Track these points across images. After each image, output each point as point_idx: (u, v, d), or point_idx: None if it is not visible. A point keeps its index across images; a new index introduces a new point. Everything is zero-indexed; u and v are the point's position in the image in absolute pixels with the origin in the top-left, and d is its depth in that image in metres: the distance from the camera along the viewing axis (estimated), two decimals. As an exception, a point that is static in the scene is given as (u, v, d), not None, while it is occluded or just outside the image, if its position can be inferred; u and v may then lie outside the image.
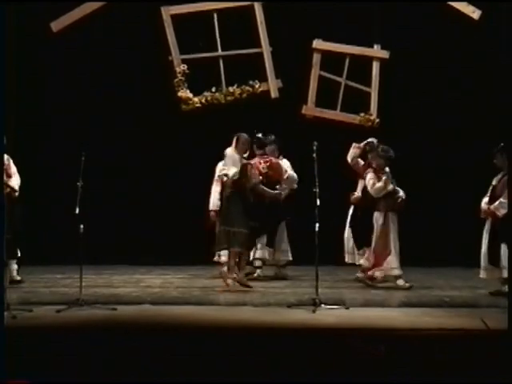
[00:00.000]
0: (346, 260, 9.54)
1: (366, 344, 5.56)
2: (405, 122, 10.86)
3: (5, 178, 8.38)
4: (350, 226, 9.47)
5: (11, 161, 8.83)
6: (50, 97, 11.24)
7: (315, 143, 7.86)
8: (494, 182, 8.45)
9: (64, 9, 10.92)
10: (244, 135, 8.74)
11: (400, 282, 8.58)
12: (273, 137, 9.62)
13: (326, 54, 11.24)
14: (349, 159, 9.53)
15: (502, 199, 8.13)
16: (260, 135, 9.49)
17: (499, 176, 8.41)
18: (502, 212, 8.08)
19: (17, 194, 8.72)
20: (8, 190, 8.44)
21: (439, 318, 6.80)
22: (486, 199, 8.38)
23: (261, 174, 9.17)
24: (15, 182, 8.77)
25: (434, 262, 10.32)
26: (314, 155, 7.83)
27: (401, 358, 5.43)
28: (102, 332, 6.25)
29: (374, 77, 11.22)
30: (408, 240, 8.79)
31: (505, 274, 7.98)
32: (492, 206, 8.22)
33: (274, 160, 9.50)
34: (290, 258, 9.65)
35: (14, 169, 8.84)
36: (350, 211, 9.54)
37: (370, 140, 9.50)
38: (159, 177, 11.03)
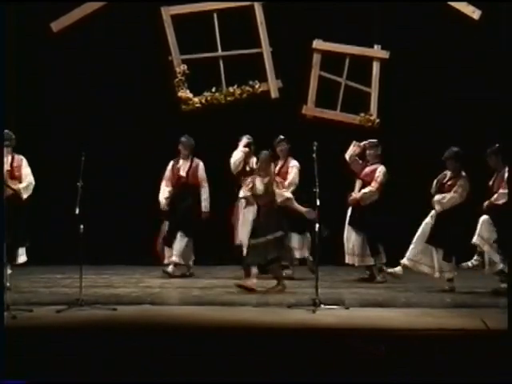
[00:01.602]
0: (346, 261, 9.54)
1: (366, 344, 5.56)
2: (405, 122, 10.87)
3: (9, 180, 8.33)
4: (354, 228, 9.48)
5: (24, 162, 8.67)
6: (49, 97, 11.23)
7: (315, 143, 7.86)
8: (490, 183, 8.51)
9: (64, 9, 10.92)
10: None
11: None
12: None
13: (326, 54, 11.24)
14: (347, 157, 9.51)
15: (501, 190, 8.20)
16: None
17: (494, 177, 8.49)
18: (501, 201, 8.14)
19: (24, 196, 8.58)
20: (10, 192, 8.34)
21: (439, 319, 6.80)
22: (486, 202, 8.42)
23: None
24: (24, 184, 8.58)
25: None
26: (314, 155, 7.83)
27: (401, 358, 5.42)
28: (102, 332, 6.26)
29: (374, 77, 11.22)
30: (408, 240, 8.78)
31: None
32: (493, 198, 8.27)
33: None
34: None
35: (25, 170, 8.63)
36: (349, 212, 9.53)
37: (372, 140, 9.53)
38: (159, 177, 11.00)
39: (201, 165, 10.01)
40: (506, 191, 8.01)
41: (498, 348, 5.58)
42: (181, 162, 10.06)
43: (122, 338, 5.91)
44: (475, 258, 8.36)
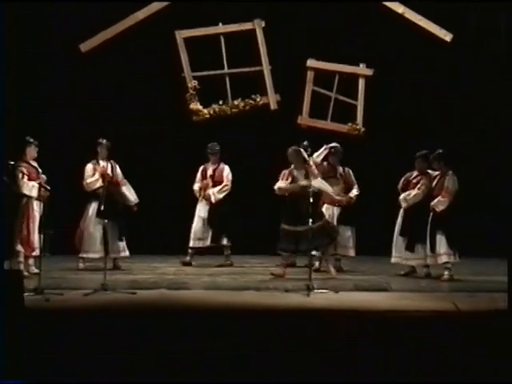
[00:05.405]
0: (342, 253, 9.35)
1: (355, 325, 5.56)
2: (387, 130, 10.88)
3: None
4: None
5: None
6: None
7: (305, 143, 7.85)
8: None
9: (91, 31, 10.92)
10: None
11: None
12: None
13: (318, 72, 11.27)
14: (318, 160, 8.66)
15: (441, 198, 8.27)
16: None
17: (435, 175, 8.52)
18: (440, 207, 8.24)
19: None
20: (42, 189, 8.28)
21: (416, 301, 6.82)
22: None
23: None
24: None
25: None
26: (308, 153, 7.81)
27: (384, 335, 5.43)
28: (123, 313, 6.27)
29: (359, 91, 11.26)
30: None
31: (444, 259, 8.27)
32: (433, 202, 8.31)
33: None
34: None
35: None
36: (336, 211, 9.28)
37: (335, 144, 9.02)
38: (171, 179, 10.96)
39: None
40: (446, 200, 8.18)
41: (468, 327, 5.60)
42: (101, 162, 9.20)
43: (141, 318, 5.93)
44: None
